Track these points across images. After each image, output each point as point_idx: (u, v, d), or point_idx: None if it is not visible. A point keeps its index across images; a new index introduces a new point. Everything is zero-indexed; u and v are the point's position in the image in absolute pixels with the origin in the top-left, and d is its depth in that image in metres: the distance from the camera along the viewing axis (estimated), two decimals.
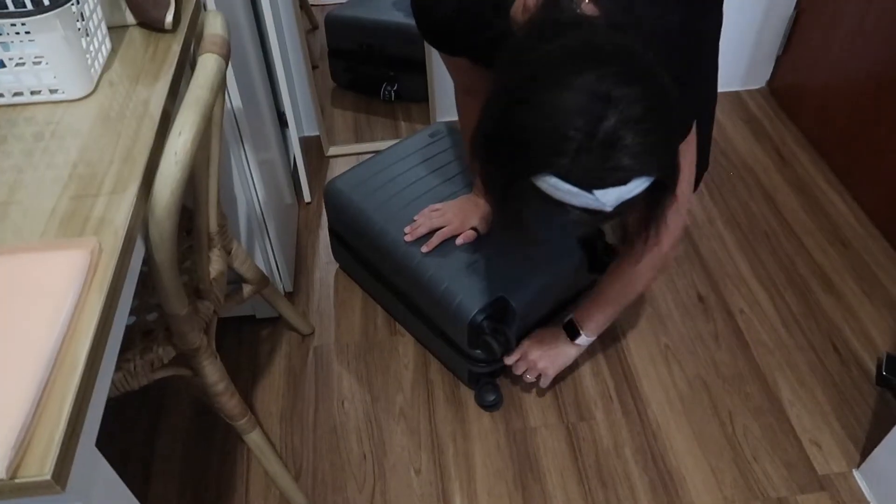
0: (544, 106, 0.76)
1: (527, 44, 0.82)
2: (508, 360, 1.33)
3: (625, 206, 0.79)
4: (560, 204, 0.79)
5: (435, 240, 1.34)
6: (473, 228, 1.36)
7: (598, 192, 0.77)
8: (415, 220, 1.37)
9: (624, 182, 0.76)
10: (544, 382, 1.34)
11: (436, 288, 1.30)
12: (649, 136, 0.75)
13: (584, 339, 1.28)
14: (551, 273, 1.33)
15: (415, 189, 1.45)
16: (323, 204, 1.65)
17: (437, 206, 1.39)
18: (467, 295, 1.27)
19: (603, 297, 1.24)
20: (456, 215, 1.36)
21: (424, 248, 1.33)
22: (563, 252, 1.36)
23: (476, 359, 1.32)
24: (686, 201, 1.12)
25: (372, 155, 1.56)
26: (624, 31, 0.80)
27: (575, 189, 0.77)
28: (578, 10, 0.85)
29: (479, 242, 1.36)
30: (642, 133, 0.74)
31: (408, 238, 1.35)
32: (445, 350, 1.40)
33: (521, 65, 0.81)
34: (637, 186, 0.77)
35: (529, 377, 1.33)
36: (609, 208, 0.78)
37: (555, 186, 0.77)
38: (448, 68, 1.27)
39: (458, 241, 1.35)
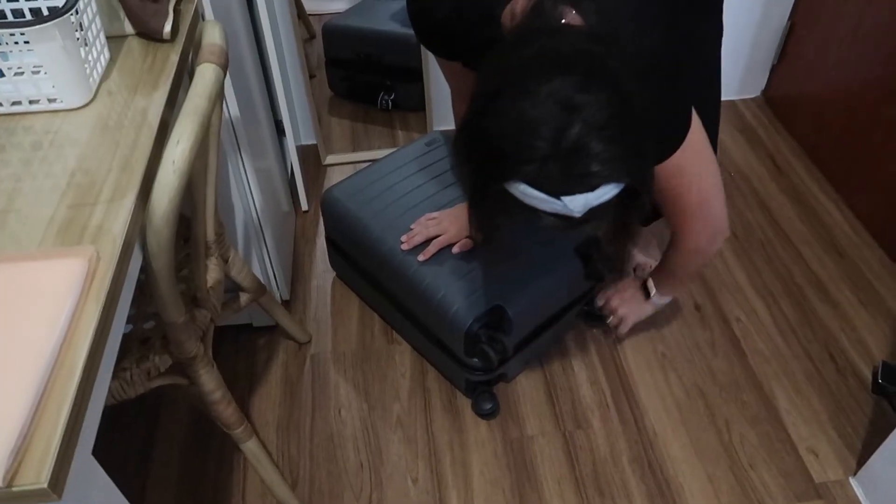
0: (512, 114, 0.77)
1: (506, 50, 0.84)
2: (599, 300, 1.45)
3: (595, 213, 0.80)
4: (532, 209, 0.81)
5: (432, 248, 1.34)
6: (470, 237, 1.37)
7: (565, 199, 0.78)
8: (411, 229, 1.38)
9: (591, 189, 0.78)
10: (623, 329, 1.43)
11: (432, 296, 1.30)
12: (615, 143, 0.76)
13: (657, 299, 1.38)
14: (547, 281, 1.33)
15: (412, 197, 1.46)
16: (320, 212, 1.65)
17: (434, 214, 1.39)
18: (464, 303, 1.27)
19: (666, 269, 1.33)
20: (452, 224, 1.37)
21: (421, 257, 1.34)
22: (558, 260, 1.36)
23: (473, 367, 1.32)
24: (714, 199, 1.15)
25: (369, 164, 1.56)
26: (601, 41, 0.82)
27: (543, 195, 0.78)
28: (562, 20, 0.86)
29: (476, 251, 1.36)
30: (607, 140, 0.76)
31: (404, 246, 1.35)
32: (442, 358, 1.40)
33: (498, 71, 0.83)
34: (605, 193, 0.79)
35: (612, 322, 1.44)
36: (577, 214, 0.80)
37: (524, 193, 0.79)
38: (444, 73, 1.28)
39: (455, 249, 1.35)
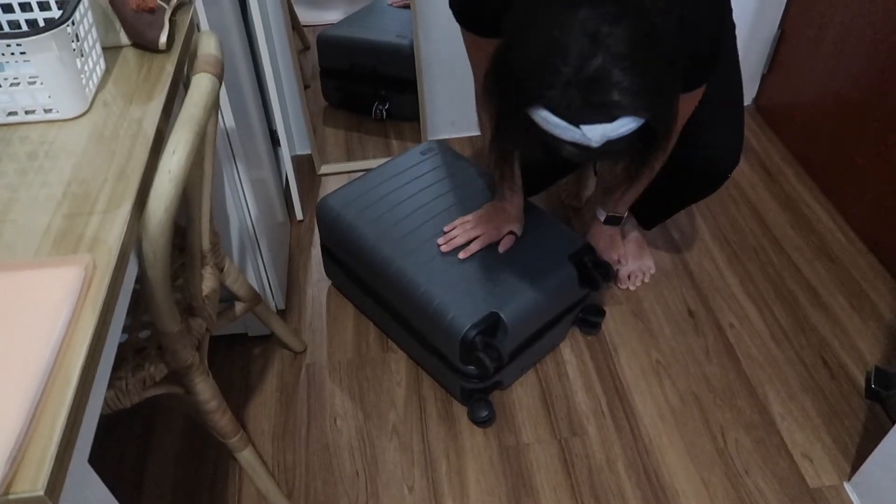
0: (539, 41, 0.79)
1: None
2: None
3: (612, 146, 0.81)
4: (553, 138, 0.82)
5: (474, 247, 1.36)
6: (511, 232, 1.39)
7: (584, 128, 0.79)
8: (447, 232, 1.39)
9: (610, 119, 0.78)
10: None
11: (428, 304, 1.30)
12: (638, 76, 0.77)
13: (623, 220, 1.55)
14: (542, 288, 1.34)
15: (407, 206, 1.46)
16: (315, 222, 1.66)
17: (467, 217, 1.41)
18: (459, 311, 1.27)
19: (625, 188, 1.42)
20: (489, 224, 1.39)
21: (462, 255, 1.36)
22: (553, 267, 1.37)
23: (468, 375, 1.32)
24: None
25: (363, 173, 1.57)
26: None
27: (564, 123, 0.79)
28: None
29: (471, 258, 1.37)
30: (630, 71, 0.76)
31: (444, 249, 1.37)
32: (438, 366, 1.40)
33: (527, 11, 0.84)
34: (623, 125, 0.79)
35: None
36: (595, 144, 0.81)
37: (545, 119, 0.80)
38: (472, 59, 1.29)
39: (501, 248, 1.38)
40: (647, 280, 1.66)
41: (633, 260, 1.66)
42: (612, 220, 1.56)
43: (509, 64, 0.83)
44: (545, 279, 1.35)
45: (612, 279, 1.42)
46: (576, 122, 0.79)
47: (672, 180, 1.38)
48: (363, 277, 1.48)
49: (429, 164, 1.56)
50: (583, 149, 0.83)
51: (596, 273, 1.39)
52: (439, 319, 1.28)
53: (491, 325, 1.28)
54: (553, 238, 1.43)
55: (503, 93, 0.86)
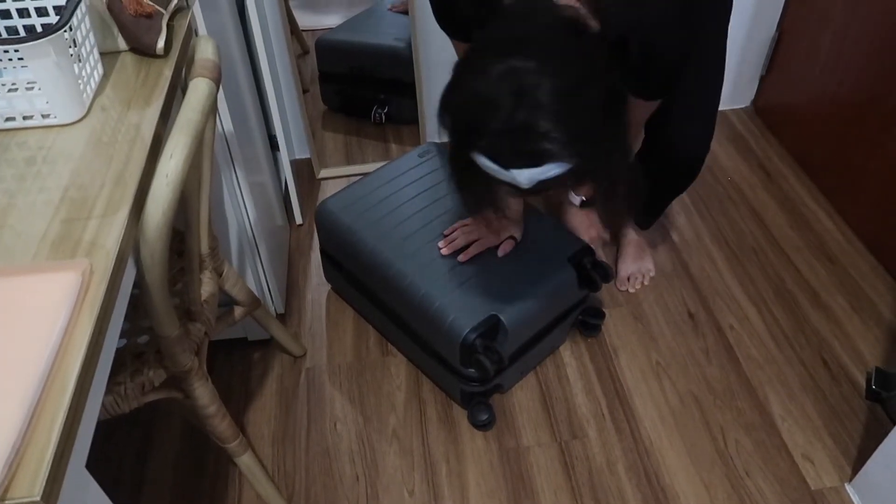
0: (472, 91, 0.86)
1: (488, 27, 0.92)
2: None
3: (542, 185, 0.88)
4: (489, 176, 0.89)
5: (473, 250, 1.37)
6: (511, 237, 1.40)
7: (514, 171, 0.86)
8: (447, 236, 1.40)
9: (538, 164, 0.85)
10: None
11: (428, 307, 1.30)
12: (561, 125, 0.83)
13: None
14: (542, 290, 1.34)
15: (405, 209, 1.46)
16: (314, 226, 1.65)
17: (467, 220, 1.42)
18: (460, 313, 1.27)
19: None
20: (489, 227, 1.39)
21: (462, 258, 1.36)
22: (552, 269, 1.37)
23: (469, 378, 1.32)
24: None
25: (362, 176, 1.57)
26: (576, 26, 0.89)
27: (496, 167, 0.87)
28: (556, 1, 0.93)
29: (471, 261, 1.37)
30: (554, 122, 0.82)
31: (444, 252, 1.37)
32: (438, 369, 1.40)
33: (473, 50, 0.91)
34: (550, 169, 0.86)
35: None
36: (525, 186, 0.88)
37: (483, 163, 0.88)
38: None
39: (500, 252, 1.38)
40: (646, 282, 1.66)
41: (633, 262, 1.66)
42: (587, 204, 1.58)
43: (450, 107, 0.90)
44: (544, 281, 1.35)
45: (610, 280, 1.42)
46: (506, 167, 0.86)
47: (652, 174, 1.41)
48: (362, 281, 1.48)
49: (427, 167, 1.56)
50: (515, 188, 0.89)
51: (595, 274, 1.39)
52: (439, 322, 1.28)
53: (491, 328, 1.28)
54: (552, 240, 1.43)
55: (450, 135, 0.92)
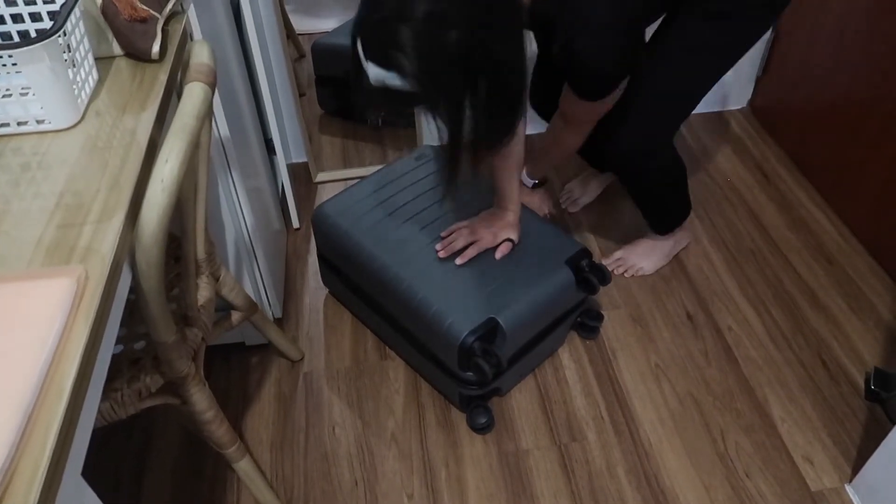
0: None
1: None
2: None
3: (388, 94, 0.96)
4: (357, 65, 0.98)
5: (470, 252, 1.37)
6: (509, 240, 1.40)
7: (369, 63, 0.95)
8: (444, 238, 1.40)
9: (384, 67, 0.94)
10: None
11: (426, 311, 1.30)
12: (418, 51, 0.91)
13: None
14: (540, 293, 1.34)
15: (403, 212, 1.46)
16: (311, 230, 1.64)
17: (464, 223, 1.42)
18: (458, 317, 1.27)
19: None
20: (487, 230, 1.40)
21: (459, 261, 1.36)
22: (551, 272, 1.37)
23: (467, 381, 1.32)
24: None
25: (359, 180, 1.57)
26: None
27: (361, 53, 0.96)
28: None
29: (468, 264, 1.36)
30: (413, 43, 0.90)
31: (442, 254, 1.38)
32: (436, 373, 1.39)
33: None
34: (394, 79, 0.94)
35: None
36: (371, 81, 0.96)
37: (358, 48, 0.97)
38: None
39: (497, 254, 1.38)
40: (628, 274, 1.68)
41: (632, 251, 1.69)
42: (539, 185, 1.75)
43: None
44: (543, 284, 1.35)
45: (608, 283, 1.42)
46: (365, 56, 0.95)
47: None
48: (360, 285, 1.48)
49: (424, 170, 1.56)
50: (366, 81, 0.97)
51: (592, 277, 1.38)
52: (437, 326, 1.28)
53: (489, 331, 1.27)
54: (549, 243, 1.42)
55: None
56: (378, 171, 1.57)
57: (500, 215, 1.41)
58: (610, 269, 1.65)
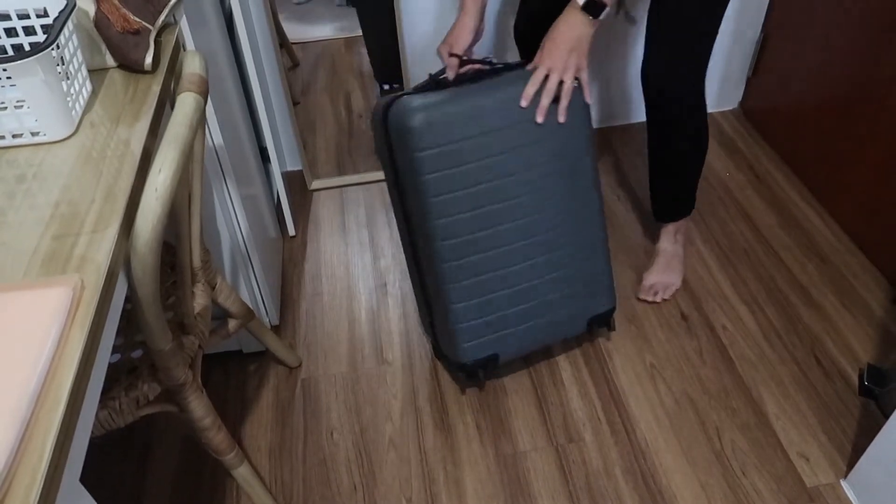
0: None
1: None
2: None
3: None
4: None
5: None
6: (455, 55, 1.33)
7: None
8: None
9: None
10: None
11: (447, 313, 1.33)
12: None
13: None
14: (545, 337, 1.43)
15: (502, 189, 1.24)
16: (307, 236, 1.65)
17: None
18: (469, 341, 1.34)
19: None
20: (453, 37, 1.35)
21: (450, 72, 1.31)
22: (566, 324, 1.44)
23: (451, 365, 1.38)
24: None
25: (450, 96, 1.21)
26: None
27: None
28: None
29: (509, 287, 1.34)
30: None
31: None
32: (434, 335, 1.44)
33: None
34: None
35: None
36: None
37: None
38: None
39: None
40: (667, 296, 1.63)
41: (659, 273, 1.64)
42: (590, 7, 1.22)
43: None
44: (553, 332, 1.42)
45: (612, 328, 1.54)
46: None
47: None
48: (409, 211, 1.29)
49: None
50: None
51: (599, 327, 1.49)
52: (451, 335, 1.33)
53: (490, 359, 1.35)
54: (587, 294, 1.42)
55: None
56: (489, 89, 1.23)
57: (460, 19, 1.34)
58: (649, 300, 1.63)
